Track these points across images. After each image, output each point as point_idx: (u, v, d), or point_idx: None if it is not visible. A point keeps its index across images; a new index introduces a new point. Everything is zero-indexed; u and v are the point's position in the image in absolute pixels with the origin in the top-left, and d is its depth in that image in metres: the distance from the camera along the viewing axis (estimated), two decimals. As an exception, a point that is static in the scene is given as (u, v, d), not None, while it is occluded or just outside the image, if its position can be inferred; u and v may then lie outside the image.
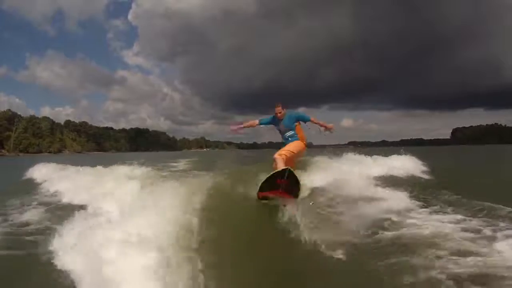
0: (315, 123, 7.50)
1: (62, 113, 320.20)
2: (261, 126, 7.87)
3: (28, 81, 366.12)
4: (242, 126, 7.87)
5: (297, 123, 7.56)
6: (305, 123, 7.63)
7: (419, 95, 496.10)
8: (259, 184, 6.43)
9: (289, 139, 7.43)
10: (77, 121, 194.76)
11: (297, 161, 7.98)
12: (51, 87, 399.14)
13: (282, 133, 7.61)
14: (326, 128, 7.56)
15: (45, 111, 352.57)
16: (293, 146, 7.23)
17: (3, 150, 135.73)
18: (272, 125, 7.80)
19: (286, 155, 6.96)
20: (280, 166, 6.57)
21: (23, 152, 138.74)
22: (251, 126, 7.87)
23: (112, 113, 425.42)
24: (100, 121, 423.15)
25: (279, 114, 7.44)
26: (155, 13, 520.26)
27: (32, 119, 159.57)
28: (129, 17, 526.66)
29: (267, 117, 7.72)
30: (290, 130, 7.46)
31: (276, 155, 6.92)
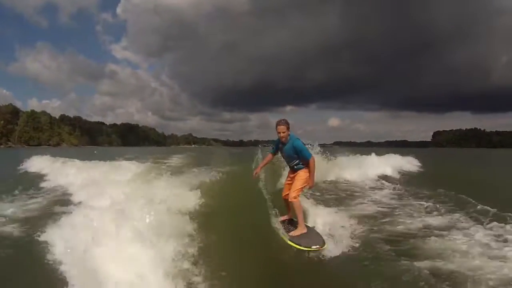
0: (310, 167, 6.03)
1: (49, 106, 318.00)
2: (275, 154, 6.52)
3: (17, 73, 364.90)
4: (261, 166, 6.56)
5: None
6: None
7: (407, 97, 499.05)
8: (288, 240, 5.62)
9: (294, 167, 6.12)
10: (71, 115, 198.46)
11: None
12: (39, 80, 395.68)
13: (285, 159, 6.33)
14: (310, 180, 6.11)
15: (33, 104, 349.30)
16: (302, 182, 5.98)
17: (9, 142, 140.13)
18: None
19: (297, 196, 5.90)
20: (300, 211, 5.85)
21: (22, 144, 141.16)
22: (269, 162, 6.66)
23: (99, 107, 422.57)
24: (88, 115, 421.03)
25: (282, 134, 5.95)
26: (144, 7, 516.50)
27: (33, 114, 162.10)
28: (118, 10, 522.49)
29: (274, 145, 6.42)
30: (293, 159, 6.10)
31: (293, 199, 5.87)
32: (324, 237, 5.63)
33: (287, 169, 6.53)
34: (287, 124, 5.94)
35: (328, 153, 12.71)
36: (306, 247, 5.37)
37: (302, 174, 6.01)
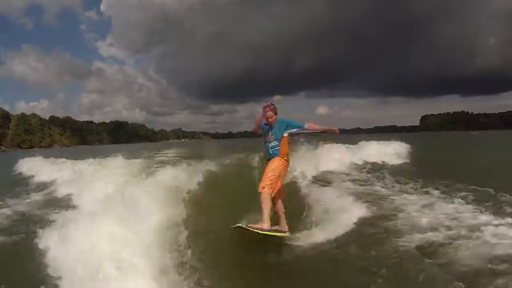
0: (312, 130, 5.97)
1: (37, 107, 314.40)
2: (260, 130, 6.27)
3: (3, 76, 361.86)
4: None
5: (286, 134, 5.90)
6: (297, 133, 6.17)
7: (395, 81, 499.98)
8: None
9: (270, 151, 5.88)
10: (59, 115, 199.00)
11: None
12: (26, 82, 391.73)
13: (267, 142, 6.00)
14: (329, 131, 6.14)
15: (21, 106, 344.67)
16: (272, 169, 5.68)
17: (1, 146, 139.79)
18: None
19: (271, 186, 5.54)
20: (267, 204, 5.44)
21: (15, 147, 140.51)
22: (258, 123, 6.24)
23: (87, 106, 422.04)
24: (76, 114, 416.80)
25: (270, 120, 5.85)
26: (128, 3, 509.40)
27: (23, 117, 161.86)
28: (102, 7, 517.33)
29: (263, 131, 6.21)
30: (276, 140, 5.83)
31: (262, 189, 5.52)
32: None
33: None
34: (274, 108, 5.91)
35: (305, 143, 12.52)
36: (270, 232, 5.25)
37: (276, 162, 5.73)
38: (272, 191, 5.53)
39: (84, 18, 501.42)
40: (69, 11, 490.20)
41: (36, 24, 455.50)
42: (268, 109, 5.83)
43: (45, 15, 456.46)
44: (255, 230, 5.12)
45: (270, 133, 5.91)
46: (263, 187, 5.48)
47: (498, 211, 5.78)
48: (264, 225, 5.27)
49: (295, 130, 5.86)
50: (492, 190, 7.13)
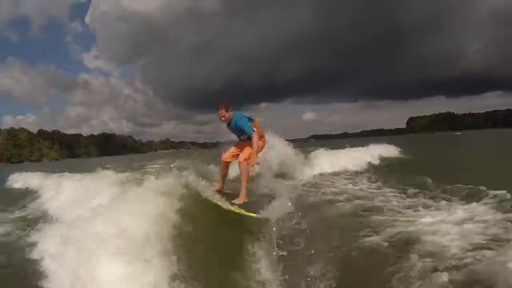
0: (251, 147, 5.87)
1: (24, 121, 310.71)
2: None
3: None
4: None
5: (252, 121, 6.04)
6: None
7: (382, 85, 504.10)
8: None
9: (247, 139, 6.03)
10: (46, 129, 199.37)
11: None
12: (12, 96, 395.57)
13: (235, 134, 6.29)
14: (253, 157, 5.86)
15: (7, 121, 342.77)
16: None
17: None
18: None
19: (248, 159, 5.81)
20: (245, 175, 5.76)
21: (3, 162, 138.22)
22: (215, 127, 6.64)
23: (74, 119, 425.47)
24: (63, 127, 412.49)
25: (223, 119, 5.96)
26: (111, 15, 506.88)
27: (12, 131, 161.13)
28: (86, 19, 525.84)
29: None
30: (243, 133, 6.03)
31: (242, 160, 5.82)
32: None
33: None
34: (225, 106, 5.94)
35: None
36: (253, 213, 5.10)
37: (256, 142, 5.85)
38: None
39: (69, 30, 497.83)
40: (54, 22, 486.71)
41: (22, 36, 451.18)
42: (217, 113, 5.99)
43: (31, 27, 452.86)
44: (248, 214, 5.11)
45: (230, 128, 6.16)
46: (245, 160, 5.79)
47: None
48: (245, 198, 5.65)
49: (244, 131, 5.94)
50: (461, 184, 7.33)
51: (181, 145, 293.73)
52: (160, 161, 23.23)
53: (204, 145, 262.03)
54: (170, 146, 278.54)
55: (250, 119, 6.07)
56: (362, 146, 17.46)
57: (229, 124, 6.11)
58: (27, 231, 6.44)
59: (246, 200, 5.62)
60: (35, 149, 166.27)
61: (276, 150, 10.37)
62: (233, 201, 5.46)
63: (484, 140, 39.47)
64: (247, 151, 5.88)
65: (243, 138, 6.14)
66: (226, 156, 6.33)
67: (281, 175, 9.73)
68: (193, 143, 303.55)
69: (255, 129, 5.89)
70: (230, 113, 5.99)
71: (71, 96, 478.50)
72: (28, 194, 13.32)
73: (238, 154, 6.08)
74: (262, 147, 6.29)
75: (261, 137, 6.24)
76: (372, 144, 18.55)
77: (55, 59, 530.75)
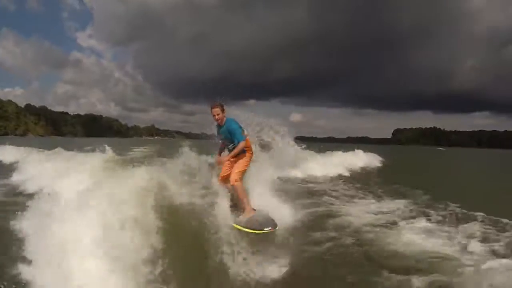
0: (238, 150, 5.66)
1: (11, 94, 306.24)
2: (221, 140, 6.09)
3: None
4: (219, 154, 6.23)
5: (243, 132, 5.80)
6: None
7: (370, 95, 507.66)
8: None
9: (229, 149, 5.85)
10: (34, 104, 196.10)
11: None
12: (2, 66, 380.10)
13: (223, 142, 6.03)
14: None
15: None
16: (242, 164, 5.72)
17: None
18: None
19: (238, 178, 5.59)
20: (243, 195, 5.57)
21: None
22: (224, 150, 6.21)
23: (62, 96, 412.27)
24: (51, 104, 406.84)
25: (217, 117, 5.64)
26: None
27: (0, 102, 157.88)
28: None
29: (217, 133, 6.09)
30: (231, 142, 5.73)
31: (234, 182, 5.53)
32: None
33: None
34: (221, 106, 5.66)
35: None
36: (259, 230, 5.11)
37: (243, 157, 5.72)
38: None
39: (66, 6, 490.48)
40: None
41: (19, 7, 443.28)
42: (212, 110, 5.64)
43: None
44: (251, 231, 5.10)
45: (220, 132, 5.84)
46: (236, 180, 5.52)
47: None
48: (251, 213, 5.42)
49: (235, 137, 5.65)
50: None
51: (166, 133, 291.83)
52: (147, 148, 22.90)
53: (188, 135, 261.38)
54: (155, 133, 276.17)
55: (242, 129, 5.80)
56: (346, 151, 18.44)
57: (220, 127, 5.76)
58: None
59: (252, 214, 5.40)
60: (22, 123, 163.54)
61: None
62: (240, 217, 5.34)
63: (467, 158, 40.26)
64: (236, 169, 5.63)
65: (230, 147, 5.78)
66: (222, 175, 5.92)
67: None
68: (178, 132, 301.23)
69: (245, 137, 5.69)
70: (224, 114, 5.69)
71: (61, 73, 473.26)
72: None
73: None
74: (250, 158, 5.87)
75: (249, 149, 5.87)
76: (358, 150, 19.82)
77: (49, 34, 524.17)
